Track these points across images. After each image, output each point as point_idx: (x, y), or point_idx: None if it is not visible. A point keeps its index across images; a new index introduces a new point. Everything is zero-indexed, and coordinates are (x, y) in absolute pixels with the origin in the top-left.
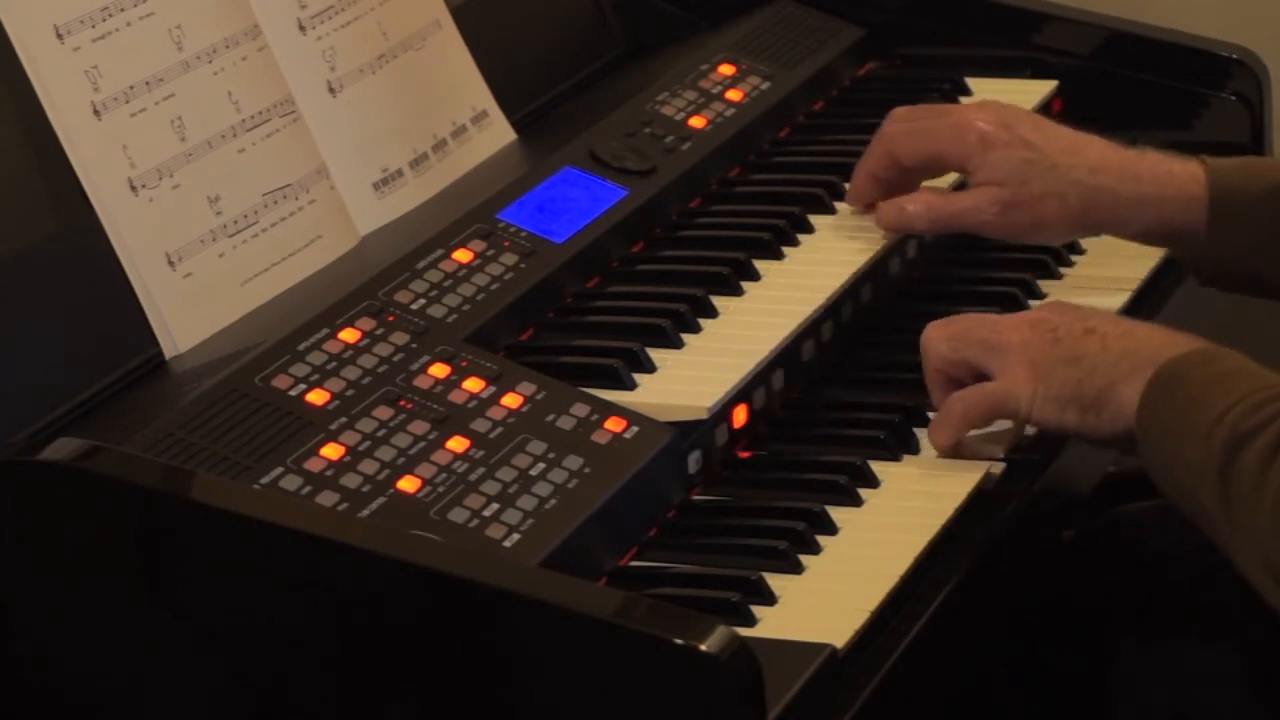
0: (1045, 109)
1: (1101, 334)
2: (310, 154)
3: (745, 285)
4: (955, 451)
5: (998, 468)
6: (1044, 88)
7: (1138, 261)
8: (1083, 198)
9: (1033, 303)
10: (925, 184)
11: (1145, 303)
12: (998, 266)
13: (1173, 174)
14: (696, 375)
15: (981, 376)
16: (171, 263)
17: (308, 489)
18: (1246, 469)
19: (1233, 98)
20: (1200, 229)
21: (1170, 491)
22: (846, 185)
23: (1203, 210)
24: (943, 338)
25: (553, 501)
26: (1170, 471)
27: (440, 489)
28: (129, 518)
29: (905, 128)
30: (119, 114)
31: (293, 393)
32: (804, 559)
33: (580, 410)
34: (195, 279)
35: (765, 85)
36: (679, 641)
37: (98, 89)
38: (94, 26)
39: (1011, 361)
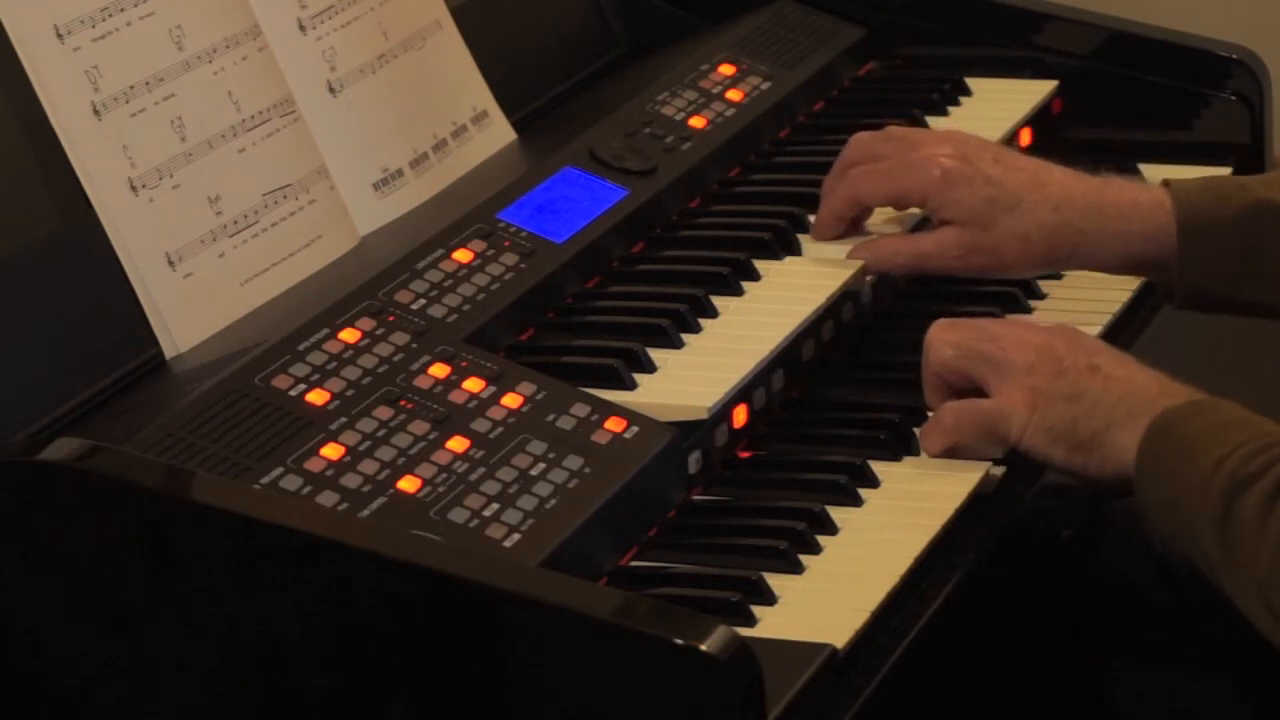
0: (1045, 109)
1: (1105, 374)
2: (310, 154)
3: (745, 285)
4: (950, 452)
5: (997, 468)
6: (1044, 88)
7: None
8: (1046, 237)
9: (1033, 303)
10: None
11: (1146, 302)
12: None
13: (1138, 204)
14: (696, 375)
15: (979, 385)
16: (172, 263)
17: (308, 489)
18: (1246, 515)
19: (1233, 98)
20: (1170, 258)
21: (1171, 536)
22: None
23: (1171, 240)
24: (948, 343)
25: (553, 501)
26: (1170, 517)
27: (440, 489)
28: (129, 518)
29: (867, 170)
30: (119, 114)
31: (293, 393)
32: (804, 559)
33: (580, 410)
34: (195, 279)
35: (765, 85)
36: (679, 641)
37: (98, 89)
38: (94, 26)
39: (1012, 384)
